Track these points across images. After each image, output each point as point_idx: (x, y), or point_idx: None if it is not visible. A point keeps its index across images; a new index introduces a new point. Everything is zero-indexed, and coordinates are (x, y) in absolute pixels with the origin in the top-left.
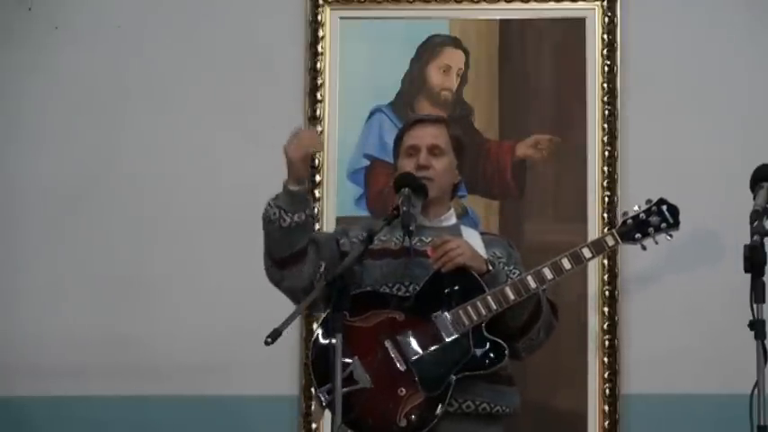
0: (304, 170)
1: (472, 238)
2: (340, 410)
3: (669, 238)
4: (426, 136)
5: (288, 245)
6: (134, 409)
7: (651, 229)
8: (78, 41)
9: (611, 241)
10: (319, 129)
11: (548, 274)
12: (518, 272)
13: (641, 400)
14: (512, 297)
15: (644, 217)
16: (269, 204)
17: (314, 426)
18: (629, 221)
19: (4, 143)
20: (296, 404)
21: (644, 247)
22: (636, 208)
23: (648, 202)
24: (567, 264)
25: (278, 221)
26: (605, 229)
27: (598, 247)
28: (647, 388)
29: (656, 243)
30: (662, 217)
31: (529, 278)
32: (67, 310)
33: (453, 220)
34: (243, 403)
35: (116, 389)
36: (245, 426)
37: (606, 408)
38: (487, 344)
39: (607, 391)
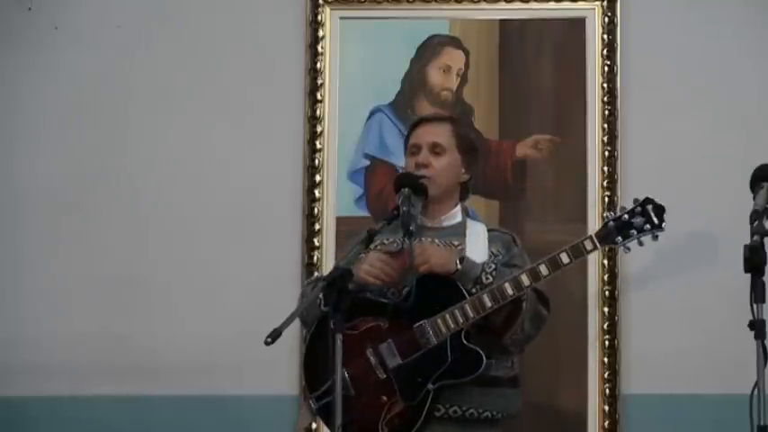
0: None
1: (478, 233)
2: (340, 411)
3: (654, 239)
4: (428, 134)
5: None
6: (134, 409)
7: (634, 231)
8: (78, 41)
9: (589, 245)
10: (319, 129)
11: (525, 280)
12: (494, 266)
13: (641, 400)
14: (489, 304)
15: (626, 218)
16: None
17: (314, 426)
18: (610, 224)
19: (4, 143)
20: (296, 404)
21: (627, 250)
22: (623, 207)
23: (635, 201)
24: (544, 270)
25: None
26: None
27: (576, 251)
28: (647, 388)
29: (641, 245)
30: (646, 218)
31: (506, 285)
32: (67, 310)
33: (458, 218)
34: (243, 403)
35: (116, 389)
36: (245, 426)
37: (606, 408)
38: (465, 352)
39: (607, 391)
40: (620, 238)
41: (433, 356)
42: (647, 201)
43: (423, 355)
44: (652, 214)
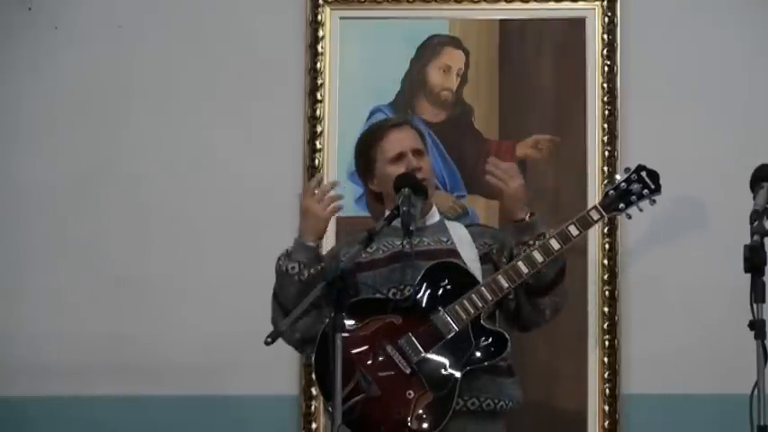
0: (325, 228)
1: (457, 231)
2: (339, 410)
3: (652, 203)
4: (405, 140)
5: (303, 296)
6: (134, 409)
7: (634, 197)
8: (78, 41)
9: (595, 215)
10: (319, 129)
11: (538, 256)
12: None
13: (641, 400)
14: (505, 285)
15: (625, 186)
16: (283, 259)
17: (314, 426)
18: (611, 193)
19: (4, 143)
20: (296, 404)
21: (629, 216)
22: (617, 177)
23: (627, 170)
24: (555, 244)
25: (297, 275)
26: (605, 230)
27: (584, 222)
28: (647, 388)
29: (641, 210)
30: (643, 183)
31: (520, 263)
32: (67, 310)
33: (437, 217)
34: (243, 403)
35: (116, 389)
36: (245, 426)
37: (606, 408)
38: (489, 335)
39: (607, 390)
40: (622, 205)
41: (456, 344)
42: (641, 167)
43: (446, 344)
44: (648, 180)
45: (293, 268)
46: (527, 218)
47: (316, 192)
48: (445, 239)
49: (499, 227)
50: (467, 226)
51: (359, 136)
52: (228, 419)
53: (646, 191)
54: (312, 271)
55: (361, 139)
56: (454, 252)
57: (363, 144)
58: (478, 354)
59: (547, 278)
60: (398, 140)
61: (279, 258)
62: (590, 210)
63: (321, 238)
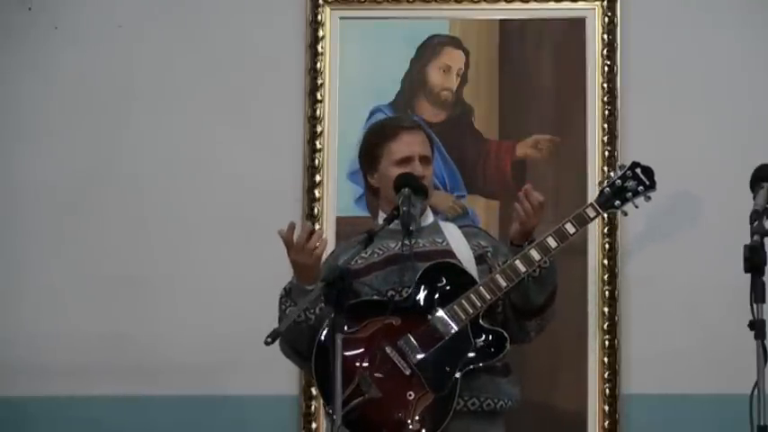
0: (317, 269)
1: (451, 232)
2: (340, 411)
3: (647, 200)
4: (415, 145)
5: (314, 337)
6: (134, 409)
7: (629, 194)
8: (78, 41)
9: (592, 213)
10: (319, 129)
11: (535, 255)
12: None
13: (641, 400)
14: (503, 284)
15: (620, 183)
16: (285, 300)
17: (314, 426)
18: (607, 190)
19: (4, 143)
20: (296, 404)
21: (625, 213)
22: (612, 174)
23: (622, 167)
24: (552, 242)
25: (304, 322)
26: (605, 230)
27: (580, 220)
28: (647, 388)
29: (636, 207)
30: (638, 180)
31: (517, 262)
32: (67, 310)
33: (431, 218)
34: (243, 403)
35: (116, 389)
36: (245, 426)
37: (606, 408)
38: (488, 335)
39: (607, 390)
40: (618, 202)
41: (456, 344)
42: (635, 164)
43: (445, 345)
44: (642, 176)
45: (300, 317)
46: (525, 244)
47: (296, 240)
48: (440, 240)
49: (499, 229)
50: (460, 227)
51: (367, 128)
52: (228, 419)
53: (641, 187)
54: (317, 311)
55: (370, 134)
56: (450, 253)
57: (371, 139)
58: (478, 353)
59: (537, 303)
60: (408, 144)
61: (281, 297)
62: (586, 207)
63: (317, 279)
